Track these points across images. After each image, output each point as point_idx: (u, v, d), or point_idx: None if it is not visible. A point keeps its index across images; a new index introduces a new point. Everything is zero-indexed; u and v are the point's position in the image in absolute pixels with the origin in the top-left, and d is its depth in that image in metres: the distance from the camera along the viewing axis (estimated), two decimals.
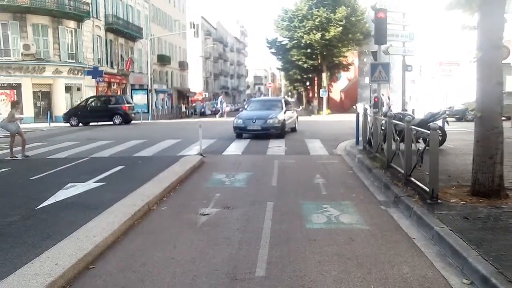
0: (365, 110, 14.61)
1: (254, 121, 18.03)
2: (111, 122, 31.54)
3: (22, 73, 35.50)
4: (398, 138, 8.96)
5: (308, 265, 4.83)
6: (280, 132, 17.91)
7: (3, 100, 35.88)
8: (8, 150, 14.22)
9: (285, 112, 19.07)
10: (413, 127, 8.29)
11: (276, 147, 15.37)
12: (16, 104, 14.06)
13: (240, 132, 18.33)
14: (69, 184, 9.33)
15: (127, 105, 32.29)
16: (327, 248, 5.36)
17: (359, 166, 11.12)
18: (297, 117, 21.91)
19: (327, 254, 5.16)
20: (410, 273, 4.59)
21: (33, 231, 6.25)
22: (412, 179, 7.74)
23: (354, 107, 41.80)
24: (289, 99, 33.43)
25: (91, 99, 33.88)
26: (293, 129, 20.86)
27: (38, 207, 7.65)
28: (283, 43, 50.55)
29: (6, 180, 10.59)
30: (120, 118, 31.36)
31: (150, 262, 5.02)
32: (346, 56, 48.57)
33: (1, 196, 8.67)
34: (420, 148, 7.89)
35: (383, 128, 10.93)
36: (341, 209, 7.09)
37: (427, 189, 6.84)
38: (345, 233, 5.91)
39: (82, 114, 31.78)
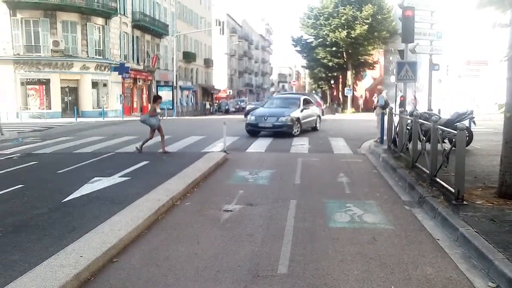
0: (391, 109, 14.45)
1: (266, 118, 17.76)
2: None
3: (51, 69, 36.13)
4: (424, 138, 8.85)
5: (331, 264, 4.81)
6: (292, 130, 17.55)
7: (33, 95, 36.60)
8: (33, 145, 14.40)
9: (302, 111, 18.70)
10: (439, 127, 8.18)
11: (300, 145, 15.34)
12: (157, 99, 14.09)
13: (251, 129, 18.10)
14: (95, 178, 9.46)
15: None
16: (350, 247, 5.33)
17: (383, 166, 11.03)
18: (319, 116, 21.27)
19: (350, 253, 5.13)
20: (434, 274, 4.53)
21: (59, 224, 6.38)
22: (437, 179, 7.64)
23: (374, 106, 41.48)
24: (315, 96, 31.89)
25: None
26: (314, 128, 20.33)
27: (64, 200, 7.79)
28: (308, 41, 50.42)
29: (34, 173, 10.79)
30: None
31: (173, 257, 5.07)
32: (371, 55, 48.17)
33: (29, 188, 8.84)
34: (446, 148, 7.78)
35: (408, 127, 10.81)
36: (365, 208, 7.04)
37: (452, 190, 6.74)
38: (368, 232, 5.87)
39: None
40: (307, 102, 20.45)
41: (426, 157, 8.49)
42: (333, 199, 7.68)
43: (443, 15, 17.54)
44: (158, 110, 13.69)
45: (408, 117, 11.25)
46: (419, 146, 9.22)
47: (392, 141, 12.54)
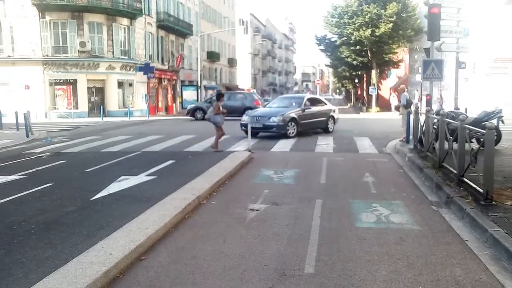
0: (417, 108, 14.29)
1: (257, 118, 16.93)
2: None
3: (78, 69, 36.73)
4: (451, 137, 8.73)
5: (358, 264, 4.79)
6: (284, 131, 16.70)
7: (61, 95, 37.27)
8: (56, 143, 14.66)
9: (303, 111, 17.64)
10: (467, 126, 8.07)
11: (325, 144, 15.30)
12: (221, 97, 14.31)
13: (245, 130, 16.77)
14: (122, 177, 9.60)
15: None
16: (376, 247, 5.30)
17: (409, 165, 10.92)
18: (332, 117, 19.58)
19: (376, 253, 5.11)
20: (463, 276, 4.48)
21: (87, 222, 6.50)
22: (465, 179, 7.54)
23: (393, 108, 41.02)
24: (332, 96, 30.71)
25: None
26: (325, 130, 19.08)
27: (93, 198, 7.93)
28: (332, 40, 50.06)
29: (62, 172, 11.00)
30: None
31: (200, 255, 5.12)
32: (396, 53, 47.58)
33: (59, 187, 9.02)
34: (474, 148, 7.66)
35: (435, 126, 10.69)
36: (391, 208, 6.99)
37: (481, 190, 6.64)
38: (395, 233, 5.83)
39: None
40: (315, 102, 19.43)
41: (453, 157, 8.38)
42: (359, 199, 7.65)
43: (470, 12, 17.25)
44: (222, 109, 13.78)
45: (434, 116, 11.12)
46: (446, 146, 9.11)
47: (418, 140, 12.40)
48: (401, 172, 10.29)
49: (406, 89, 16.74)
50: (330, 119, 19.49)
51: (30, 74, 35.47)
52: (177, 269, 4.75)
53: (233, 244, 5.47)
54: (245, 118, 17.32)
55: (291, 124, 16.91)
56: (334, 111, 20.05)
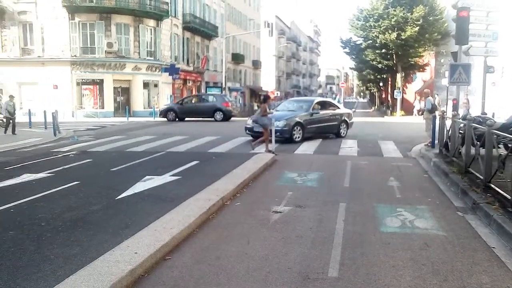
0: (443, 112, 14.12)
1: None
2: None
3: (104, 70, 37.28)
4: (478, 143, 8.60)
5: (382, 269, 4.76)
6: (287, 136, 16.09)
7: (87, 95, 37.89)
8: (79, 144, 14.88)
9: (311, 115, 17.04)
10: (494, 131, 7.94)
11: (348, 147, 15.23)
12: (268, 98, 14.51)
13: (249, 134, 17.04)
14: (147, 177, 9.70)
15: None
16: (401, 252, 5.26)
17: (434, 170, 10.79)
18: (344, 121, 18.82)
19: (401, 258, 5.07)
20: (490, 283, 4.41)
21: (113, 220, 6.59)
22: (492, 185, 7.42)
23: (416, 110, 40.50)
24: (356, 99, 29.37)
25: None
26: (337, 134, 18.41)
27: (118, 197, 8.03)
28: (357, 42, 49.83)
29: (89, 170, 11.17)
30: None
31: (224, 256, 5.14)
32: (422, 57, 47.01)
33: (85, 185, 9.17)
34: (502, 153, 7.54)
35: (461, 131, 10.54)
36: (416, 213, 6.92)
37: (508, 196, 6.52)
38: (420, 238, 5.77)
39: None
40: (325, 106, 18.75)
41: (480, 162, 8.25)
42: (383, 203, 7.59)
43: (499, 15, 16.96)
44: (269, 110, 13.85)
45: (460, 121, 10.97)
46: (473, 151, 8.98)
47: (444, 145, 12.25)
48: (426, 177, 10.18)
49: (430, 94, 16.56)
50: (343, 123, 18.78)
51: (58, 74, 36.19)
52: (201, 269, 4.79)
53: (256, 246, 5.48)
54: (249, 122, 16.95)
55: (296, 128, 16.39)
56: (347, 115, 19.37)
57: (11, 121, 20.78)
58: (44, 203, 7.70)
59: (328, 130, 18.17)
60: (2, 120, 26.14)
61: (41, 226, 6.30)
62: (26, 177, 10.04)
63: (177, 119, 31.04)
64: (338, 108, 19.49)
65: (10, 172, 10.73)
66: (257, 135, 15.78)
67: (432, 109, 15.51)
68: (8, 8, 36.99)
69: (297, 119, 16.46)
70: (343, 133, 18.69)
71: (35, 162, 12.34)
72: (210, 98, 33.48)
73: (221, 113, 31.23)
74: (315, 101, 18.37)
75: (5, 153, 14.45)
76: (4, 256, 5.17)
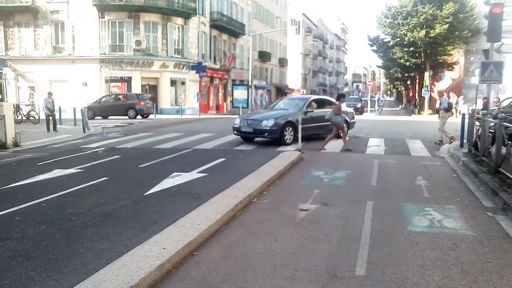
0: (472, 111, 13.89)
1: (248, 122, 15.28)
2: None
3: (133, 67, 37.79)
4: (509, 142, 8.43)
5: (410, 268, 4.71)
6: (277, 136, 14.82)
7: (116, 92, 38.38)
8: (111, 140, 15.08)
9: (305, 114, 15.26)
10: None
11: (375, 146, 15.10)
12: (342, 97, 14.66)
13: (237, 134, 16.04)
14: (174, 173, 9.79)
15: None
16: (429, 252, 5.19)
17: (463, 170, 10.62)
18: (345, 121, 16.09)
19: (429, 258, 5.01)
20: None
21: (141, 216, 6.67)
22: None
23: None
24: (383, 97, 26.11)
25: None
26: (336, 135, 15.47)
27: (146, 193, 8.13)
28: (385, 40, 49.30)
29: (117, 166, 11.33)
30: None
31: (251, 253, 5.16)
32: (451, 55, 46.24)
33: (114, 181, 9.32)
34: None
35: (491, 130, 10.35)
36: (445, 213, 6.82)
37: None
38: (448, 238, 5.69)
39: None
40: (323, 104, 17.08)
41: (510, 162, 8.10)
42: (411, 202, 7.50)
43: None
44: (343, 109, 13.85)
45: (491, 119, 10.76)
46: (503, 150, 8.80)
47: (473, 144, 12.05)
48: (455, 177, 10.02)
49: (445, 92, 16.47)
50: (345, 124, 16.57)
51: (88, 71, 36.86)
52: (228, 265, 4.81)
53: (283, 243, 5.48)
54: (237, 122, 15.83)
55: (288, 129, 14.97)
56: (347, 113, 17.44)
57: (51, 117, 20.90)
58: (74, 198, 7.85)
59: (325, 131, 15.94)
60: (33, 117, 26.79)
61: (71, 221, 6.42)
62: (57, 172, 10.25)
63: (95, 117, 31.55)
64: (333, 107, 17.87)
65: (42, 168, 10.98)
66: (246, 136, 15.44)
67: (448, 108, 15.44)
68: (42, 7, 37.85)
69: (289, 118, 14.98)
70: (341, 134, 16.09)
71: (65, 158, 12.59)
72: (123, 97, 34.18)
73: (133, 111, 32.36)
74: (311, 99, 16.89)
75: (36, 149, 14.78)
76: (37, 249, 5.30)
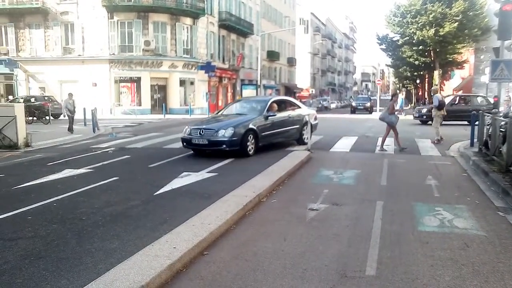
0: (483, 110, 13.81)
1: (201, 132, 12.45)
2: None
3: (142, 68, 37.95)
4: None
5: (420, 268, 4.69)
6: (238, 147, 12.26)
7: (125, 92, 38.65)
8: (119, 140, 15.16)
9: (266, 118, 13.20)
10: None
11: (385, 145, 15.01)
12: (395, 96, 14.66)
13: (187, 147, 13.08)
14: (184, 173, 9.82)
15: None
16: (440, 252, 5.17)
17: (474, 169, 10.55)
18: (306, 123, 14.85)
19: (440, 258, 4.99)
20: None
21: (151, 216, 6.69)
22: None
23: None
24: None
25: None
26: (298, 141, 14.76)
27: (156, 193, 8.16)
28: (394, 39, 49.23)
29: (127, 166, 11.38)
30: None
31: (261, 253, 5.17)
32: (461, 53, 45.98)
33: (124, 181, 9.36)
34: None
35: (502, 129, 10.27)
36: (455, 213, 6.79)
37: None
38: (459, 238, 5.66)
39: None
40: (284, 105, 14.88)
41: None
42: (421, 202, 7.47)
43: None
44: (396, 108, 13.82)
45: (502, 118, 10.69)
46: None
47: (484, 143, 11.97)
48: (465, 176, 9.96)
49: (438, 91, 16.47)
50: (305, 126, 14.83)
51: (97, 72, 37.11)
52: (238, 265, 4.83)
53: (293, 243, 5.49)
54: (186, 131, 12.94)
55: (249, 138, 12.56)
56: (310, 115, 15.43)
57: (70, 118, 20.75)
58: (85, 198, 7.90)
59: (289, 137, 14.46)
60: (45, 118, 27.00)
61: (82, 220, 6.46)
62: (68, 172, 10.32)
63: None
64: (299, 107, 15.62)
65: (52, 168, 11.06)
66: (198, 149, 12.83)
67: (440, 106, 15.40)
68: (52, 9, 38.13)
69: (250, 125, 12.61)
70: (307, 139, 14.46)
71: (75, 158, 12.67)
72: (33, 99, 32.82)
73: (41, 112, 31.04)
74: (271, 100, 14.24)
75: (47, 149, 14.89)
76: (49, 248, 5.34)
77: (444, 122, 23.08)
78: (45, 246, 5.42)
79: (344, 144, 15.30)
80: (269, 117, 13.36)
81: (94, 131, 20.40)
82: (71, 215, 6.77)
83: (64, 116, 21.81)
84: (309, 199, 7.62)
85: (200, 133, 12.44)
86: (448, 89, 58.41)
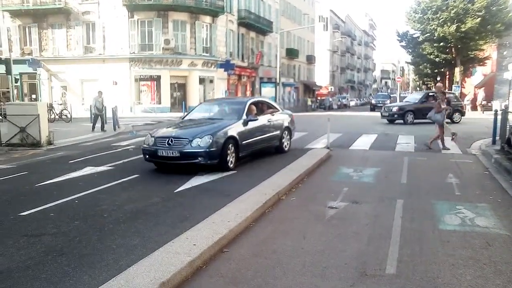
0: (506, 107, 13.60)
1: (170, 142, 9.96)
2: None
3: (162, 66, 38.17)
4: None
5: (441, 267, 4.66)
6: (217, 160, 9.90)
7: (145, 90, 38.95)
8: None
9: (246, 123, 11.06)
10: None
11: (405, 143, 14.93)
12: (442, 94, 14.83)
13: (151, 160, 10.45)
14: (204, 171, 9.87)
15: None
16: (461, 251, 5.12)
17: (496, 167, 10.42)
18: (286, 128, 13.12)
19: (461, 257, 4.94)
20: None
21: (172, 213, 6.76)
22: None
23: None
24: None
25: None
26: (278, 149, 12.76)
27: (176, 190, 8.23)
28: (414, 36, 48.61)
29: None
30: None
31: (280, 250, 5.18)
32: (483, 50, 45.22)
33: (144, 178, 9.49)
34: None
35: None
36: (477, 211, 6.71)
37: None
38: (481, 236, 5.60)
39: None
40: (262, 108, 12.57)
41: None
42: (442, 200, 7.40)
43: None
44: (443, 106, 13.79)
45: None
46: None
47: (506, 141, 11.80)
48: (487, 174, 9.83)
49: (442, 88, 16.27)
50: (285, 132, 13.05)
51: (117, 70, 37.44)
52: (258, 262, 4.84)
53: (312, 241, 5.49)
54: (149, 141, 10.42)
55: (229, 147, 10.26)
56: (288, 119, 13.52)
57: (99, 117, 20.94)
58: (106, 195, 8.00)
59: (269, 144, 12.38)
60: (65, 115, 27.38)
61: (103, 217, 6.55)
62: (89, 170, 10.47)
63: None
64: (277, 110, 13.38)
65: (74, 165, 11.21)
66: (164, 163, 10.27)
67: (447, 103, 15.24)
68: (74, 9, 38.64)
69: (230, 133, 10.37)
70: (287, 146, 13.15)
71: (96, 156, 12.83)
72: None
73: None
74: (249, 102, 11.93)
75: (69, 147, 15.11)
76: (71, 244, 5.43)
77: (415, 121, 22.86)
78: (67, 242, 5.51)
79: (363, 142, 15.21)
80: (249, 122, 11.23)
81: (114, 129, 20.62)
82: (93, 212, 6.86)
83: (93, 114, 21.87)
84: (328, 197, 7.60)
85: (168, 143, 9.92)
86: (469, 86, 57.61)
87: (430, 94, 24.98)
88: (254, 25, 48.86)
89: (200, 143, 9.75)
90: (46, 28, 39.91)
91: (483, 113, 33.61)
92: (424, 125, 21.35)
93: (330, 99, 62.41)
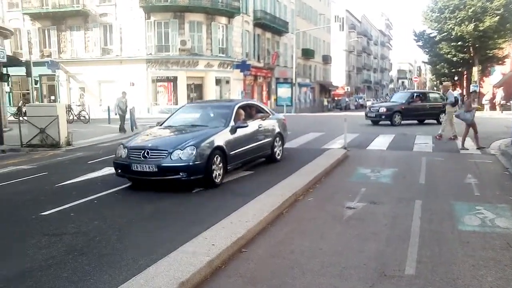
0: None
1: (146, 153, 8.40)
2: None
3: (178, 67, 38.34)
4: None
5: (461, 268, 4.61)
6: (202, 175, 8.34)
7: (162, 91, 39.20)
8: None
9: (233, 131, 9.55)
10: None
11: (423, 143, 14.79)
12: (472, 93, 15.03)
13: (123, 175, 8.84)
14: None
15: None
16: (481, 252, 5.07)
17: None
18: (278, 134, 11.61)
19: (481, 258, 4.89)
20: None
21: (189, 212, 6.82)
22: None
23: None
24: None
25: None
26: (270, 158, 11.30)
27: (194, 191, 8.28)
28: (431, 35, 48.15)
29: None
30: None
31: (298, 251, 5.18)
32: (502, 49, 44.58)
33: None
34: None
35: None
36: (497, 212, 6.63)
37: None
38: (501, 238, 5.53)
39: None
40: (251, 113, 11.19)
41: None
42: (461, 201, 7.33)
43: None
44: (474, 105, 13.74)
45: None
46: None
47: None
48: (507, 175, 9.71)
49: (450, 87, 16.20)
50: (277, 138, 11.60)
51: (134, 72, 37.67)
52: (276, 263, 4.85)
53: (330, 241, 5.48)
54: (121, 153, 8.85)
55: (215, 158, 8.68)
56: (280, 124, 12.04)
57: (120, 117, 21.09)
58: (124, 195, 8.09)
59: (260, 154, 10.89)
60: (83, 116, 27.66)
61: (122, 217, 6.62)
62: (107, 170, 10.56)
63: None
64: (268, 114, 11.96)
65: (93, 166, 11.35)
66: (138, 178, 8.67)
67: (455, 103, 15.18)
68: (91, 11, 39.06)
69: (216, 143, 8.86)
70: (279, 154, 11.73)
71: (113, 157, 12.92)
72: None
73: None
74: (236, 106, 10.39)
75: (87, 148, 15.28)
76: (91, 244, 5.50)
77: (403, 122, 22.51)
78: (87, 242, 5.58)
79: (380, 142, 15.12)
80: (238, 129, 9.75)
81: (132, 129, 20.77)
82: (111, 212, 6.95)
83: (116, 114, 22.06)
84: (346, 198, 7.58)
85: (144, 156, 8.38)
86: (488, 86, 56.88)
87: (416, 94, 24.59)
88: (270, 26, 48.84)
89: (182, 155, 8.24)
90: (65, 30, 40.36)
91: (501, 112, 33.16)
92: (413, 126, 21.54)
93: (347, 99, 62.17)
